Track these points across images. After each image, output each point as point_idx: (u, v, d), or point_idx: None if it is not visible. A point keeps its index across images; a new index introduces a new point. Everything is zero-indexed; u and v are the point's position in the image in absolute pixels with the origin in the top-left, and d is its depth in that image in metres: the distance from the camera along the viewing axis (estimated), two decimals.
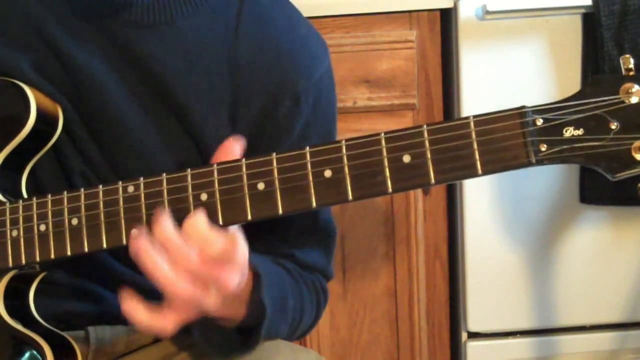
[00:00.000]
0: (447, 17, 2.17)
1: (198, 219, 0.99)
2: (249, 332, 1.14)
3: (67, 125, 1.21)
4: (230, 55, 1.23)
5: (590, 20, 2.06)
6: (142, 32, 1.21)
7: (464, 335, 2.29)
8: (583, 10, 2.07)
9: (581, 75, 2.09)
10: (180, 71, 1.22)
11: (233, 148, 1.05)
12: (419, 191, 2.23)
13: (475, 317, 2.25)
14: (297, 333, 1.30)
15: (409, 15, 2.16)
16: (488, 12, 2.05)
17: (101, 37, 1.21)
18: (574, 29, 2.09)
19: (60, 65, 1.20)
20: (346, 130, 2.17)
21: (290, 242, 1.30)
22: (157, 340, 1.34)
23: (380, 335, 2.33)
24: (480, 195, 2.17)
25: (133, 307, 1.02)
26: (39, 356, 1.15)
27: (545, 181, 2.16)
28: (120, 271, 1.28)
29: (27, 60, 1.20)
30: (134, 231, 1.00)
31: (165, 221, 0.99)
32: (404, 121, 2.18)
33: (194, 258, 0.97)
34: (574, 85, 2.10)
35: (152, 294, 1.30)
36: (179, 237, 0.98)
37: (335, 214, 2.19)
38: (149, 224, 1.01)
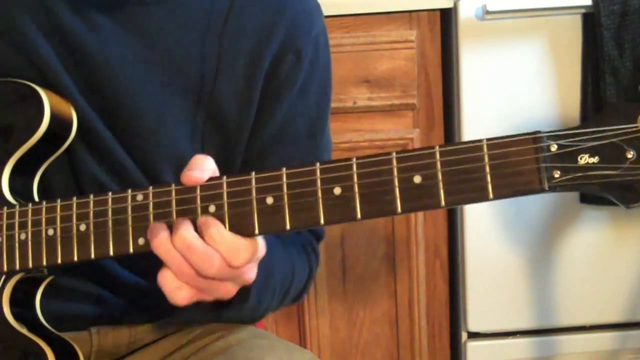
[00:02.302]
0: (447, 17, 2.17)
1: (221, 229, 0.98)
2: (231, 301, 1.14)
3: (80, 123, 1.21)
4: (237, 20, 1.25)
5: (590, 20, 2.06)
6: (151, 10, 1.22)
7: (464, 335, 2.29)
8: (583, 10, 2.07)
9: (581, 75, 2.09)
10: (192, 44, 1.23)
11: (204, 164, 1.03)
12: None
13: (475, 317, 2.25)
14: (289, 297, 1.29)
15: (409, 15, 2.16)
16: (488, 12, 2.05)
17: (112, 21, 1.21)
18: (574, 29, 2.09)
19: (71, 56, 1.21)
20: (346, 130, 2.17)
21: None
22: (158, 340, 1.35)
23: (380, 335, 2.34)
24: None
25: (164, 275, 1.01)
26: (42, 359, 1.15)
27: None
28: (122, 275, 1.29)
29: (50, 49, 1.20)
30: (153, 225, 1.01)
31: (186, 229, 0.99)
32: (404, 121, 2.18)
33: (217, 263, 0.98)
34: (574, 85, 2.10)
35: (155, 297, 1.31)
36: (202, 244, 0.98)
37: None
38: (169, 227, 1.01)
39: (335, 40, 2.12)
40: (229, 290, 1.04)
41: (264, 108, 1.27)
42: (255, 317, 1.23)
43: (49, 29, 1.21)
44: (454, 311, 2.35)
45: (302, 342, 2.32)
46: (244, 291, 1.09)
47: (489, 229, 2.19)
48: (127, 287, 1.29)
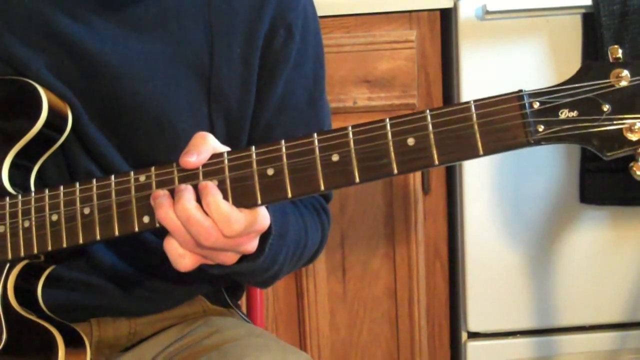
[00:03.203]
0: (447, 17, 2.18)
1: (217, 198, 1.00)
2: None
3: (76, 124, 1.22)
4: (224, 2, 1.26)
5: (590, 20, 2.07)
6: (145, 5, 1.23)
7: (464, 335, 2.29)
8: (583, 10, 2.08)
9: None
10: (188, 32, 1.25)
11: (202, 145, 1.05)
12: (419, 191, 2.23)
13: (475, 317, 2.25)
14: (304, 257, 1.30)
15: (409, 15, 2.17)
16: (488, 12, 2.06)
17: (109, 20, 1.22)
18: (574, 29, 2.10)
19: (71, 61, 1.22)
20: None
21: None
22: (158, 332, 1.36)
23: (380, 335, 2.34)
24: (480, 195, 2.18)
25: (169, 242, 1.03)
26: (50, 345, 1.15)
27: (545, 181, 2.17)
28: (122, 269, 1.29)
29: (43, 61, 1.21)
30: (157, 193, 1.03)
31: (187, 199, 1.00)
32: None
33: (214, 234, 1.00)
34: None
35: (154, 290, 1.32)
36: (201, 215, 1.00)
37: (335, 214, 2.21)
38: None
39: (335, 40, 2.13)
40: (230, 258, 1.05)
41: (263, 85, 1.29)
42: (268, 278, 1.23)
43: (46, 37, 1.21)
44: (454, 311, 2.35)
45: (302, 342, 2.32)
46: (259, 247, 1.10)
47: (489, 229, 2.20)
48: (126, 280, 1.30)
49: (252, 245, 1.05)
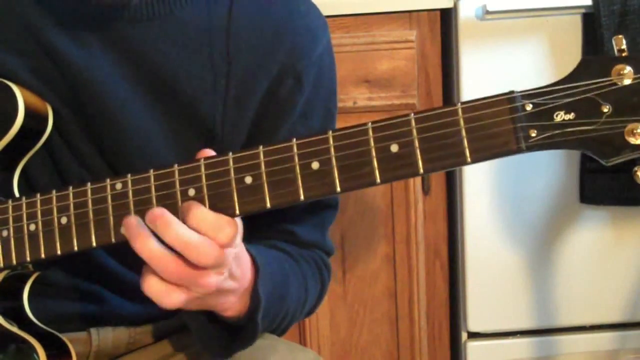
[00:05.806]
0: (447, 17, 2.18)
1: (203, 208, 0.96)
2: (244, 326, 1.12)
3: (63, 130, 1.21)
4: (230, 40, 1.23)
5: (590, 20, 2.06)
6: (141, 28, 1.20)
7: (464, 335, 2.29)
8: (583, 10, 2.07)
9: None
10: (183, 63, 1.21)
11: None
12: (419, 191, 2.23)
13: (475, 317, 2.25)
14: (304, 312, 1.29)
15: (409, 15, 2.16)
16: (488, 12, 2.05)
17: (100, 37, 1.20)
18: (574, 29, 2.09)
19: (57, 70, 1.20)
20: None
21: (290, 218, 1.28)
22: (157, 340, 1.34)
23: (380, 335, 2.33)
24: (480, 195, 2.17)
25: (147, 278, 0.99)
26: (33, 356, 1.14)
27: (545, 181, 2.16)
28: (121, 272, 1.28)
29: (24, 65, 1.19)
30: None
31: (178, 223, 0.96)
32: None
33: (172, 265, 0.96)
34: None
35: None
36: (198, 236, 0.96)
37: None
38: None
39: (335, 40, 2.10)
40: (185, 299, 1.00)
41: (264, 130, 1.25)
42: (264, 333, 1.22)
43: (33, 46, 1.19)
44: (454, 311, 2.35)
45: (302, 342, 2.31)
46: (254, 322, 1.09)
47: (489, 229, 2.19)
48: (126, 285, 1.28)
49: (211, 281, 0.99)
